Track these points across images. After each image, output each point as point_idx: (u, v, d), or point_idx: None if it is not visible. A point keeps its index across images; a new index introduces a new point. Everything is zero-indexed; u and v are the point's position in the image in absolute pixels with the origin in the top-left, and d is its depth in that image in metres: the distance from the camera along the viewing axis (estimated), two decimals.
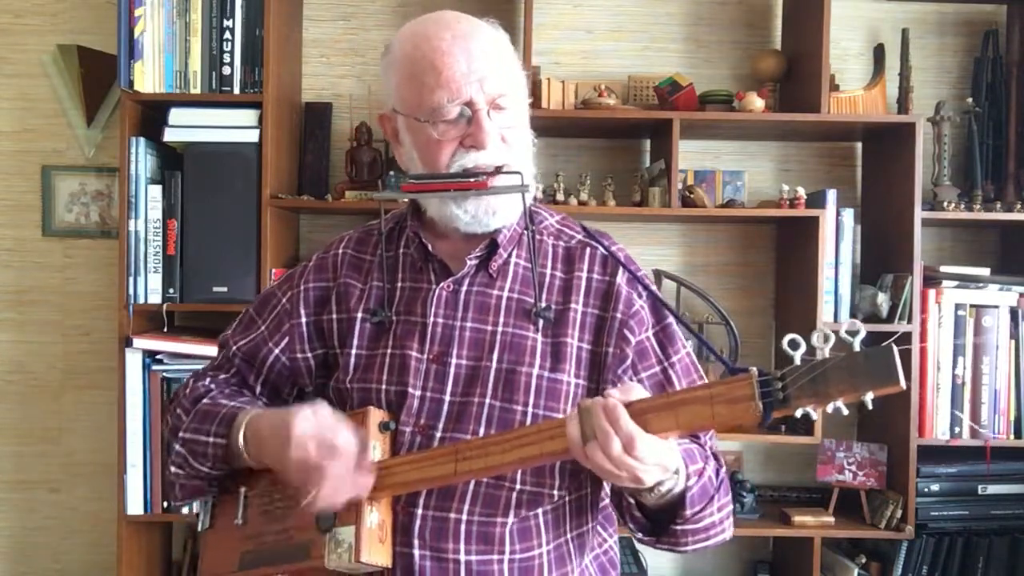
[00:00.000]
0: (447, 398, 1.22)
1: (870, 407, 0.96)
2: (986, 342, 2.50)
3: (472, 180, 1.20)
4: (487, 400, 1.21)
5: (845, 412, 0.98)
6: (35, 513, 2.75)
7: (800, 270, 2.54)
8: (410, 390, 1.22)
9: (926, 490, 2.47)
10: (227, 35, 2.40)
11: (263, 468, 1.23)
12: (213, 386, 1.34)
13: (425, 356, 1.24)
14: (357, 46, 2.75)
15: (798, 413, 0.99)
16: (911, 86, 2.57)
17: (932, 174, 2.59)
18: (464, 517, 1.20)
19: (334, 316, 1.31)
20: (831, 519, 2.49)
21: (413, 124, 1.24)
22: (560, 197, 2.53)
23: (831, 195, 2.53)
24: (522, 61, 1.26)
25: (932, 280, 2.52)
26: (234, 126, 2.39)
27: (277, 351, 1.33)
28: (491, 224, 1.25)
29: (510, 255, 1.29)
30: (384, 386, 1.24)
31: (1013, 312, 2.51)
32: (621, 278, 1.27)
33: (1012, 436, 2.50)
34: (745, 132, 2.66)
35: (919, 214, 2.45)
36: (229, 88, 2.41)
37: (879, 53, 2.68)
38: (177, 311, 2.49)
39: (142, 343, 2.36)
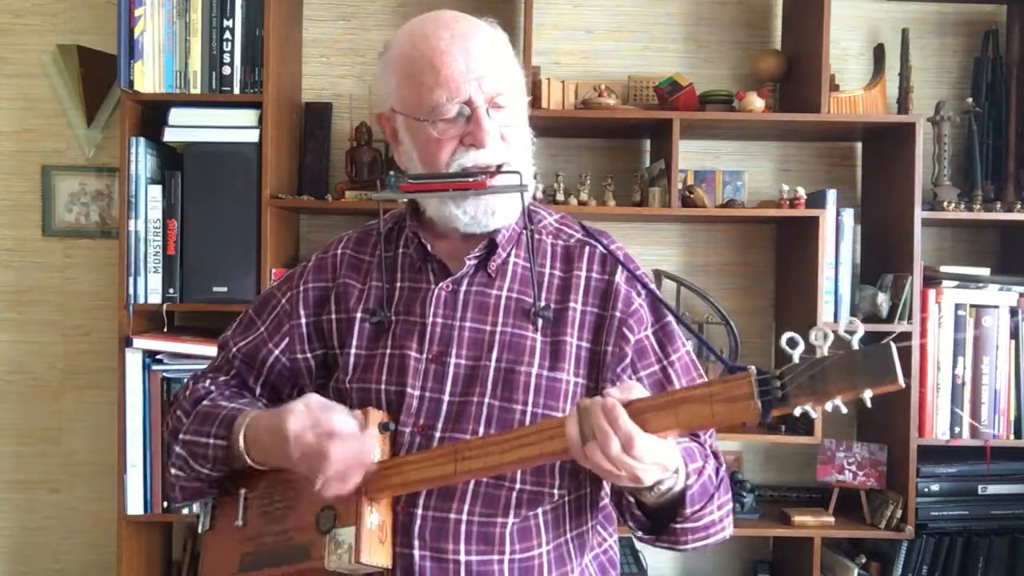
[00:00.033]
0: (446, 398, 1.22)
1: (869, 405, 0.96)
2: (986, 342, 2.50)
3: (471, 180, 1.20)
4: (486, 400, 1.21)
5: (844, 410, 0.98)
6: (35, 513, 2.75)
7: (800, 270, 2.54)
8: (409, 390, 1.22)
9: (926, 490, 2.47)
10: (227, 35, 2.40)
11: (266, 469, 1.24)
12: (213, 388, 1.34)
13: (424, 356, 1.24)
14: (357, 46, 2.75)
15: (797, 411, 0.99)
16: (911, 86, 2.57)
17: (932, 174, 2.59)
18: (464, 517, 1.20)
19: (333, 316, 1.31)
20: (831, 519, 2.49)
21: (412, 124, 1.25)
22: (560, 197, 2.53)
23: (831, 195, 2.53)
24: (522, 61, 1.26)
25: (932, 280, 2.52)
26: (234, 126, 2.39)
27: (277, 352, 1.33)
28: (490, 224, 1.25)
29: (509, 255, 1.29)
30: (383, 386, 1.24)
31: (1013, 312, 2.51)
32: (620, 277, 1.27)
33: (1012, 436, 2.50)
34: (745, 132, 2.66)
35: (919, 214, 2.45)
36: (229, 88, 2.41)
37: (879, 53, 2.68)
38: (177, 311, 2.49)
39: (142, 343, 2.36)
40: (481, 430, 1.20)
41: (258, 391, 1.37)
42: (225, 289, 2.39)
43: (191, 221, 2.39)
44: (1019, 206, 2.51)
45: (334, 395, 1.29)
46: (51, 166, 2.71)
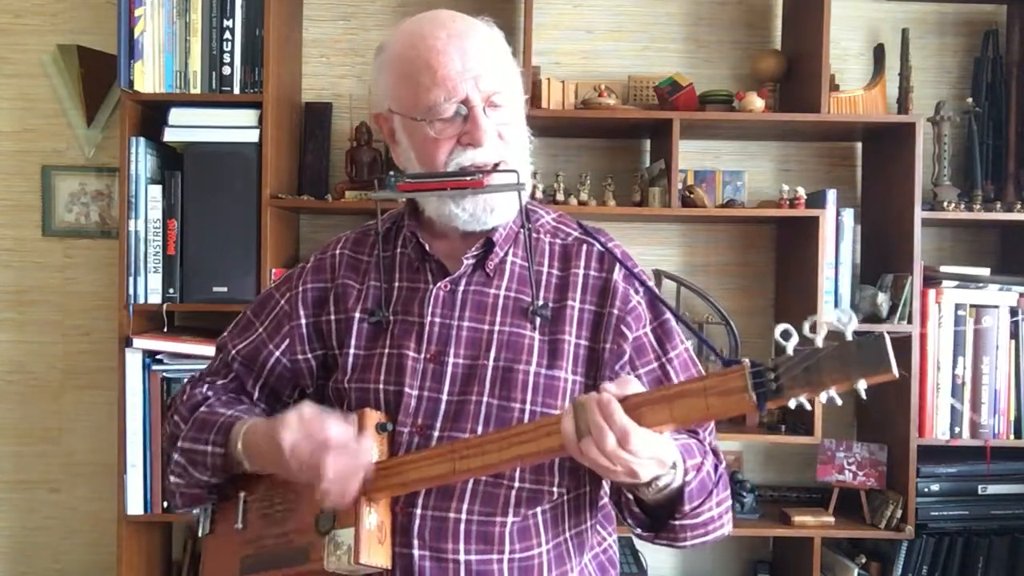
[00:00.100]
0: (444, 397, 1.22)
1: (864, 396, 0.96)
2: (986, 342, 2.50)
3: (468, 179, 1.21)
4: (484, 399, 1.21)
5: (839, 401, 0.98)
6: (35, 513, 2.75)
7: (800, 270, 2.54)
8: (407, 390, 1.22)
9: (926, 490, 2.47)
10: (227, 35, 2.40)
11: (266, 473, 1.24)
12: (211, 393, 1.34)
13: (422, 356, 1.24)
14: (357, 46, 2.75)
15: (792, 403, 0.99)
16: (911, 86, 2.57)
17: (932, 174, 2.59)
18: (463, 516, 1.20)
19: (332, 317, 1.31)
20: (831, 519, 2.49)
21: (409, 123, 1.25)
22: (560, 197, 2.53)
23: (831, 195, 2.53)
24: (522, 61, 1.27)
25: (932, 280, 2.52)
26: (234, 126, 2.39)
27: (277, 353, 1.33)
28: (489, 221, 1.25)
29: (507, 254, 1.29)
30: (381, 386, 1.24)
31: (1013, 312, 2.51)
32: (618, 274, 1.27)
33: (1012, 436, 2.50)
34: (745, 132, 2.65)
35: (919, 214, 2.45)
36: (229, 88, 2.41)
37: (879, 53, 2.68)
38: (177, 311, 2.49)
39: (142, 343, 2.36)
40: (480, 429, 1.20)
41: (256, 394, 1.36)
42: (225, 289, 2.39)
43: (191, 221, 2.39)
44: (1019, 206, 2.51)
45: (333, 395, 1.30)
46: (51, 166, 2.71)
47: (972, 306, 2.51)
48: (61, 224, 2.72)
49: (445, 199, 1.24)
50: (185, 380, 1.40)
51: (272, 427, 1.17)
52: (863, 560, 2.52)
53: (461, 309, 1.26)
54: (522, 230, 1.29)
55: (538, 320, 1.25)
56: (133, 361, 2.37)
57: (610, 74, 2.71)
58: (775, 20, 2.77)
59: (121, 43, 2.38)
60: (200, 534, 1.33)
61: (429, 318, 1.25)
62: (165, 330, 2.44)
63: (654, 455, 1.07)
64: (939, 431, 2.49)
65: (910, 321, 2.44)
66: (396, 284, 1.30)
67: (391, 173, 1.25)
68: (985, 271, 2.55)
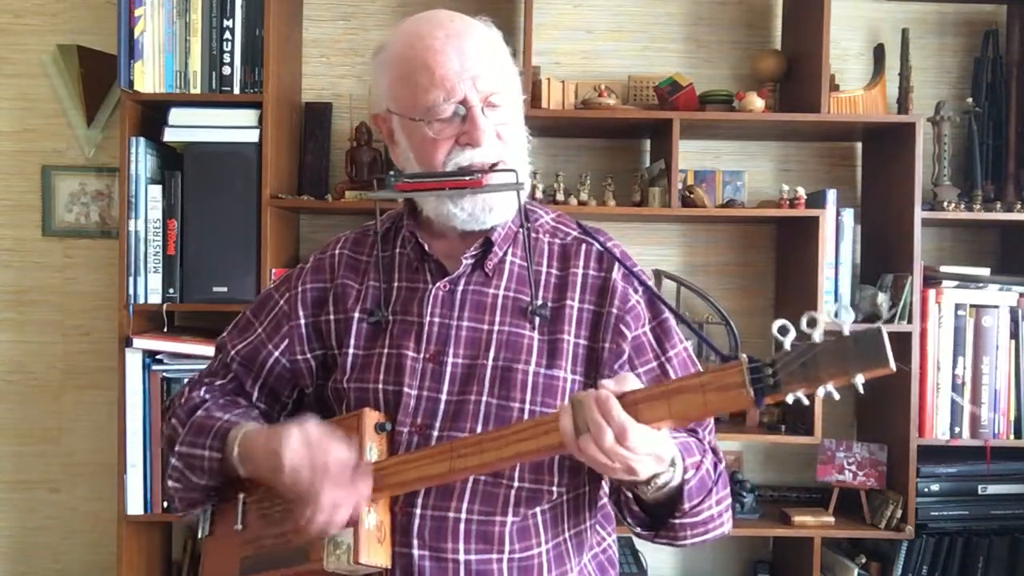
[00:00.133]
0: (443, 397, 1.22)
1: (861, 391, 0.96)
2: (986, 342, 2.50)
3: (467, 179, 1.21)
4: (484, 398, 1.21)
5: (836, 396, 0.98)
6: (35, 513, 2.75)
7: (800, 270, 2.54)
8: (406, 389, 1.22)
9: (926, 490, 2.47)
10: (227, 35, 2.40)
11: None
12: (208, 396, 1.33)
13: (421, 356, 1.24)
14: (357, 46, 2.75)
15: (789, 398, 0.99)
16: (911, 86, 2.57)
17: (932, 174, 2.59)
18: (463, 516, 1.20)
19: (331, 317, 1.31)
20: (831, 519, 2.49)
21: (408, 124, 1.25)
22: (560, 197, 2.53)
23: (831, 195, 2.53)
24: (522, 61, 1.26)
25: (932, 280, 2.52)
26: (234, 126, 2.39)
27: (277, 353, 1.33)
28: (488, 221, 1.25)
29: (506, 253, 1.29)
30: (380, 386, 1.24)
31: (1013, 312, 2.51)
32: (617, 274, 1.27)
33: (1012, 436, 2.50)
34: (745, 132, 2.65)
35: (919, 214, 2.45)
36: (229, 88, 2.41)
37: (879, 53, 2.68)
38: (177, 311, 2.49)
39: (142, 343, 2.36)
40: (479, 429, 1.20)
41: (255, 395, 1.36)
42: (225, 289, 2.39)
43: (191, 221, 2.39)
44: (1019, 206, 2.51)
45: (332, 395, 1.30)
46: (51, 166, 2.71)
47: (972, 306, 2.50)
48: (61, 224, 2.72)
49: (444, 199, 1.24)
50: (185, 380, 1.40)
51: (273, 440, 1.17)
52: (863, 560, 2.52)
53: (460, 309, 1.26)
54: (521, 230, 1.29)
55: (537, 320, 1.25)
56: (133, 361, 2.37)
57: (610, 74, 2.71)
58: (775, 20, 2.77)
59: (121, 43, 2.38)
60: (200, 536, 1.33)
61: (428, 318, 1.25)
62: (165, 330, 2.44)
63: (652, 451, 1.07)
64: (939, 431, 2.49)
65: (910, 321, 2.44)
66: (395, 284, 1.30)
67: (390, 173, 1.25)
68: (985, 271, 2.55)
